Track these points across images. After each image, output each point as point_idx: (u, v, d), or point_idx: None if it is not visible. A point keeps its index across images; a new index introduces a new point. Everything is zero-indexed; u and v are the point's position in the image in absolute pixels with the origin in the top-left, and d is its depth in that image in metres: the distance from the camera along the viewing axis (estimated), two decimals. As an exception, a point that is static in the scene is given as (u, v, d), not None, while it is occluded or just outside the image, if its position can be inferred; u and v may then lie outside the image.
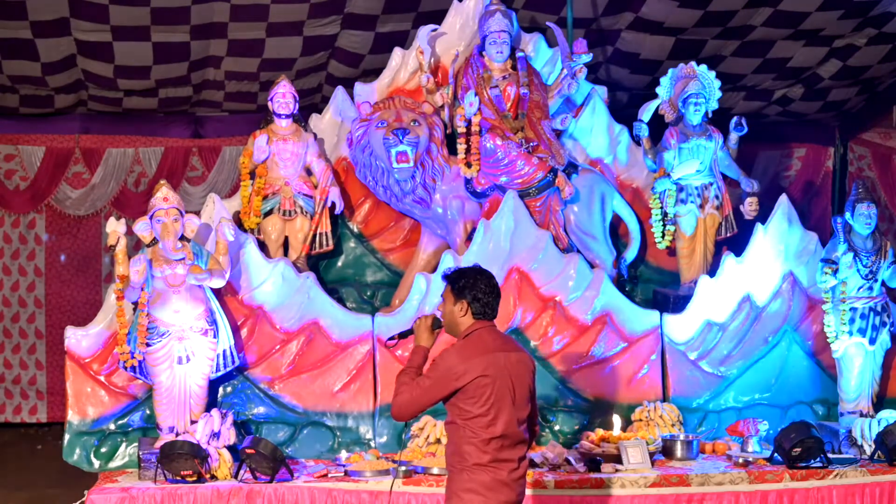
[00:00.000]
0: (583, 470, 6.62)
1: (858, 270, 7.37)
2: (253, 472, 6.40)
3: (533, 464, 6.70)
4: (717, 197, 7.99)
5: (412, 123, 7.52)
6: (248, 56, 9.63)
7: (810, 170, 11.72)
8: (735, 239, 8.05)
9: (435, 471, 6.44)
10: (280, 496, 6.31)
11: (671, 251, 8.07)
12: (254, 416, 7.14)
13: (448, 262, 7.31)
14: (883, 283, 7.48)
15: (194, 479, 6.34)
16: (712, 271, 7.81)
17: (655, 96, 8.13)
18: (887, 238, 7.62)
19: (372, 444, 7.19)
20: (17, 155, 10.90)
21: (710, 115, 8.13)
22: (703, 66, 8.15)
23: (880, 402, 7.61)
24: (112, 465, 6.92)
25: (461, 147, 7.64)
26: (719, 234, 8.05)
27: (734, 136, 8.09)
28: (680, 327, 7.59)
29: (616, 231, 8.11)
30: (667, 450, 7.00)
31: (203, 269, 6.70)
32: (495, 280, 4.86)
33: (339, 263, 7.95)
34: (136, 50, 9.33)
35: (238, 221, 7.45)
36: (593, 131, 8.15)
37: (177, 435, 6.62)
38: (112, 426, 6.97)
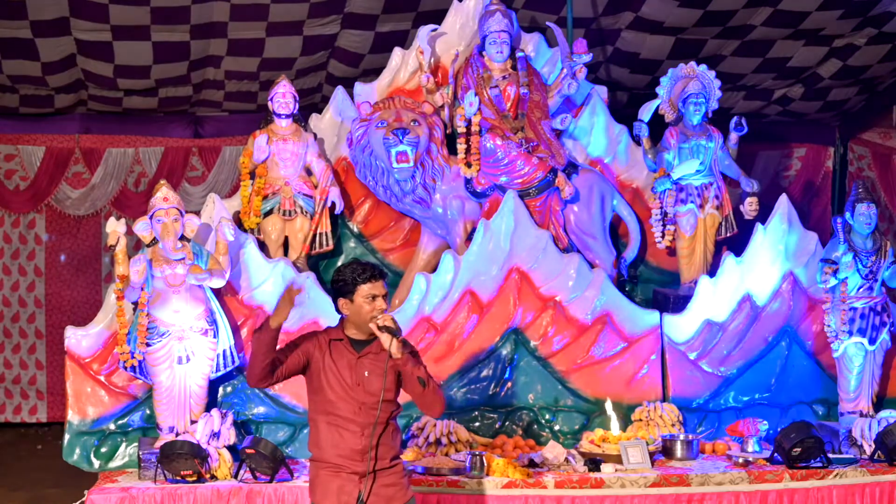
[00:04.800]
0: (583, 470, 6.62)
1: (858, 270, 7.37)
2: (253, 472, 6.40)
3: (533, 464, 6.71)
4: (717, 197, 7.99)
5: (412, 123, 7.52)
6: (248, 56, 9.63)
7: (810, 170, 11.72)
8: (735, 239, 8.04)
9: (443, 471, 6.45)
10: (280, 496, 6.31)
11: (671, 251, 8.07)
12: (254, 416, 7.15)
13: (448, 262, 7.32)
14: (883, 283, 7.48)
15: (194, 479, 6.34)
16: (712, 271, 7.81)
17: (655, 96, 8.13)
18: (887, 238, 7.62)
19: (372, 443, 7.18)
20: (17, 155, 10.90)
21: (710, 115, 8.13)
22: (703, 66, 8.14)
23: (880, 402, 7.61)
24: (112, 465, 6.92)
25: (461, 147, 7.64)
26: (719, 234, 8.05)
27: (734, 136, 8.09)
28: (680, 327, 7.59)
29: (616, 231, 8.11)
30: (667, 450, 7.00)
31: (203, 269, 6.70)
32: None
33: (339, 263, 7.94)
34: (136, 50, 9.33)
35: (238, 221, 7.45)
36: (593, 131, 8.15)
37: (177, 435, 6.62)
38: (112, 426, 6.97)
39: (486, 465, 6.50)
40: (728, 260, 7.69)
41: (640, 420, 7.29)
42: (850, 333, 7.38)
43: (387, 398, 4.80)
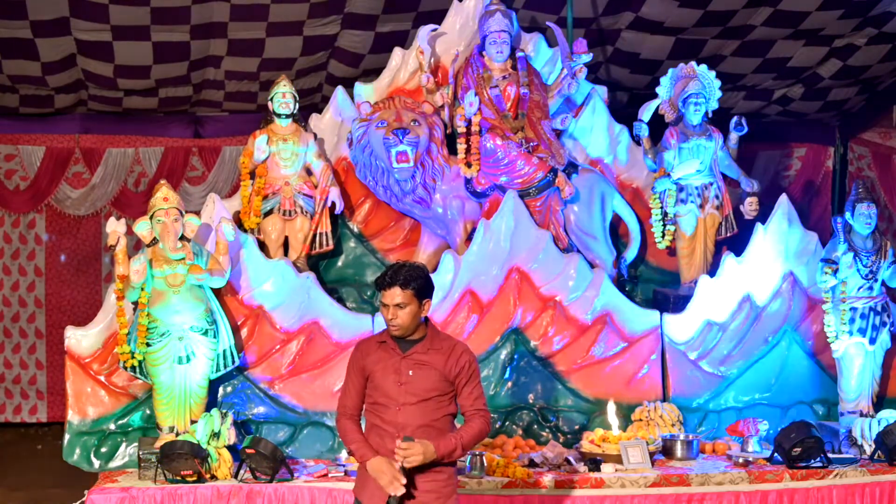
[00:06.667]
0: (583, 470, 6.62)
1: (858, 270, 7.37)
2: (253, 472, 6.40)
3: (533, 464, 6.71)
4: (717, 197, 7.99)
5: (412, 123, 7.52)
6: (248, 56, 9.63)
7: (810, 170, 11.72)
8: (735, 239, 8.05)
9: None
10: (280, 496, 6.31)
11: (671, 251, 8.07)
12: (254, 416, 7.14)
13: (448, 262, 7.33)
14: (883, 283, 7.49)
15: (194, 479, 6.34)
16: (712, 271, 7.81)
17: (655, 96, 8.13)
18: (887, 238, 7.62)
19: (372, 444, 7.18)
20: (17, 155, 10.90)
21: (710, 115, 8.13)
22: (703, 66, 8.15)
23: (880, 402, 7.61)
24: (112, 465, 6.92)
25: (461, 147, 7.64)
26: (719, 234, 8.05)
27: (734, 136, 8.09)
28: (680, 327, 7.59)
29: (616, 231, 8.11)
30: (667, 450, 7.01)
31: (203, 268, 6.71)
32: None
33: (339, 263, 7.95)
34: (136, 50, 9.32)
35: (238, 221, 7.45)
36: (593, 131, 8.16)
37: (177, 435, 6.62)
38: (112, 426, 6.97)
39: (486, 464, 6.50)
40: (728, 260, 7.69)
41: (640, 420, 7.29)
42: (850, 333, 7.38)
43: (426, 397, 4.78)
